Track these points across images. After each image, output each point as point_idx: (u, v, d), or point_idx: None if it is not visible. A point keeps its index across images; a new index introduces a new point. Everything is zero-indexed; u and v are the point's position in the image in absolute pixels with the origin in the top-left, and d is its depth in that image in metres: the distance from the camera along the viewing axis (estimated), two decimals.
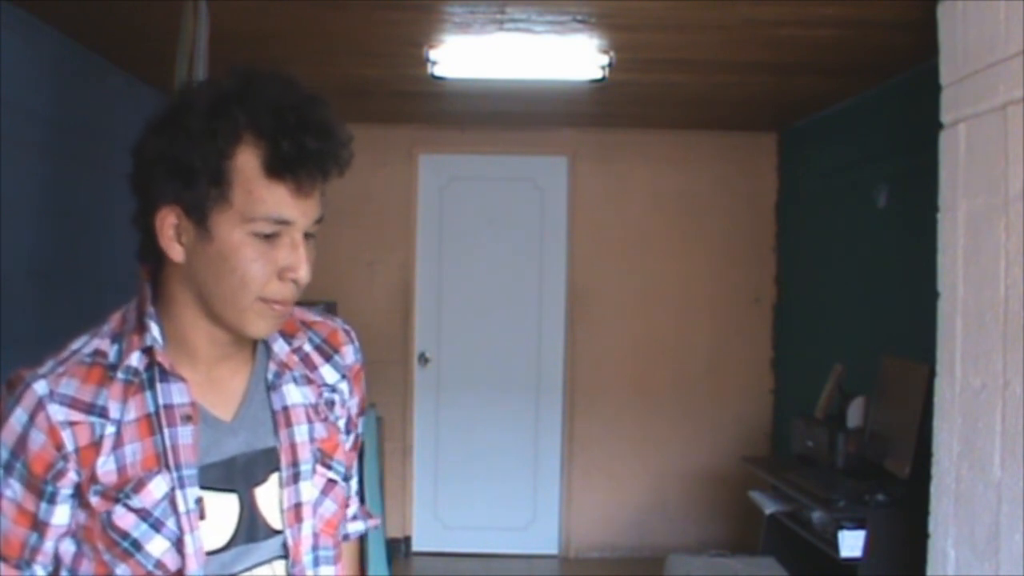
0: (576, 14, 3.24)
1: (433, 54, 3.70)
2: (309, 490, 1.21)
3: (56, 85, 3.50)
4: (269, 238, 1.10)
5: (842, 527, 3.15)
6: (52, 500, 1.11)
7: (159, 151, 1.10)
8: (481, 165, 5.51)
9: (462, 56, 3.73)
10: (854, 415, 3.66)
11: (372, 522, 1.41)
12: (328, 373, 1.28)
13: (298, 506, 1.20)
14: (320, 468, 1.23)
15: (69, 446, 1.09)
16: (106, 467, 1.10)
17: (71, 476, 1.10)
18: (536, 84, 4.18)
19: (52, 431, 1.09)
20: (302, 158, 1.08)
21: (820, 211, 4.87)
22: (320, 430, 1.24)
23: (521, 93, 4.48)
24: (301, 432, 1.22)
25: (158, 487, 1.11)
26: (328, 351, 1.29)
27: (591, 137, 5.45)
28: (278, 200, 1.09)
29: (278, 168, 1.08)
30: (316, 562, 1.22)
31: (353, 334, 1.33)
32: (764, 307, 5.47)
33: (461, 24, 3.39)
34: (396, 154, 5.41)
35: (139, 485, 1.11)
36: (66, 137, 3.59)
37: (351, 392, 1.31)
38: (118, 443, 1.11)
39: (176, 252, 1.12)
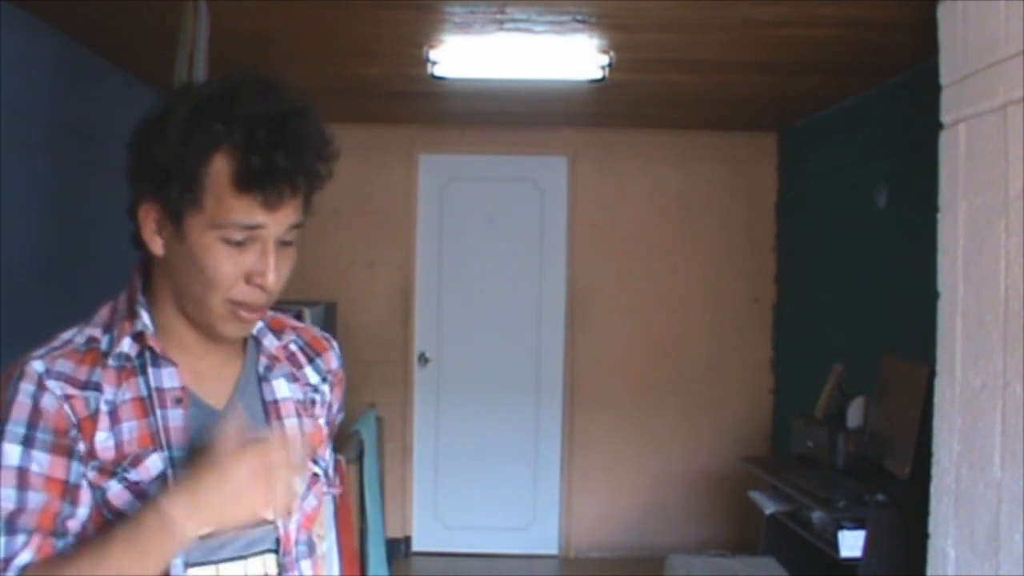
0: (576, 14, 3.24)
1: (433, 54, 3.70)
2: (297, 483, 1.23)
3: (56, 85, 3.50)
4: (240, 243, 1.12)
5: (842, 527, 3.15)
6: (81, 460, 1.11)
7: (142, 150, 1.14)
8: (481, 165, 5.51)
9: (462, 56, 3.73)
10: (854, 415, 3.66)
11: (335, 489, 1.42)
12: (311, 374, 1.32)
13: None
14: (308, 463, 1.26)
15: (72, 418, 1.12)
16: (105, 443, 1.12)
17: (80, 446, 1.12)
18: (536, 84, 4.18)
19: (57, 402, 1.12)
20: (270, 174, 1.09)
21: (820, 211, 4.88)
22: (308, 425, 1.28)
23: (521, 93, 4.48)
24: (291, 425, 1.25)
25: (154, 464, 1.13)
26: (311, 354, 1.34)
27: (591, 137, 5.45)
28: (247, 209, 1.11)
29: (246, 182, 1.09)
30: (297, 556, 1.24)
31: (334, 343, 1.38)
32: (764, 307, 5.47)
33: (461, 24, 3.39)
34: (396, 154, 5.41)
35: (136, 460, 1.13)
36: (66, 137, 3.59)
37: (331, 396, 1.35)
38: (115, 420, 1.13)
39: (156, 245, 1.16)
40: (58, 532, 1.10)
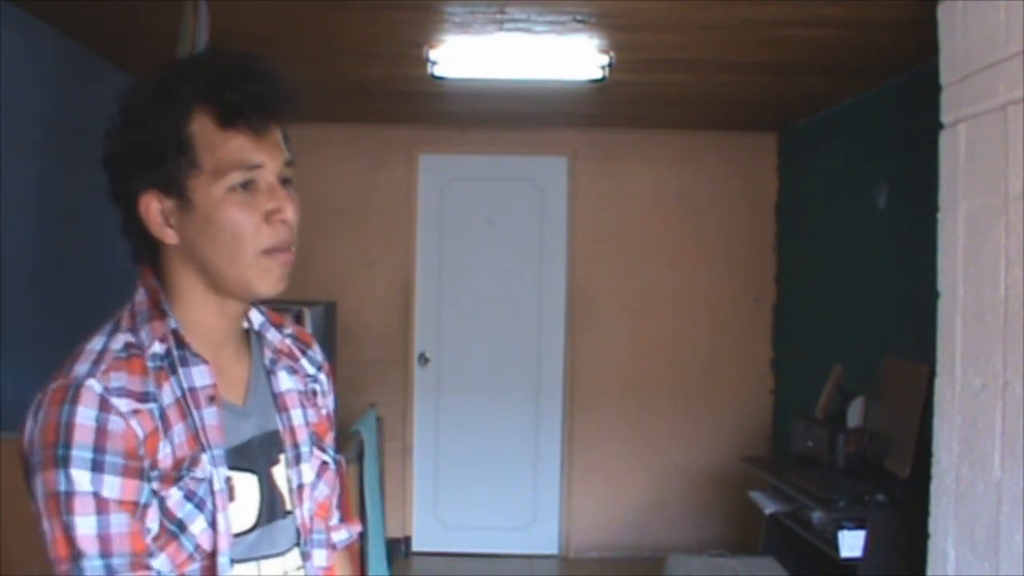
0: (576, 14, 3.24)
1: (433, 54, 3.70)
2: (307, 472, 1.26)
3: (56, 85, 3.50)
4: (246, 188, 1.14)
5: (842, 527, 3.15)
6: (148, 478, 1.08)
7: (122, 146, 1.16)
8: (481, 165, 5.51)
9: (462, 56, 3.73)
10: (854, 415, 3.66)
11: (355, 528, 1.43)
12: (307, 365, 1.36)
13: (300, 487, 1.24)
14: (316, 451, 1.29)
15: (139, 434, 1.08)
16: (164, 451, 1.10)
17: (146, 463, 1.08)
18: (536, 84, 4.18)
19: (125, 420, 1.07)
20: (250, 103, 1.13)
21: (820, 211, 4.88)
22: (312, 415, 1.31)
23: (521, 93, 4.48)
24: (297, 416, 1.27)
25: (206, 465, 1.12)
26: (302, 346, 1.37)
27: (591, 137, 5.45)
28: (240, 147, 1.14)
29: (229, 117, 1.13)
30: (313, 545, 1.26)
31: (314, 339, 1.43)
32: (764, 307, 5.47)
33: (461, 24, 3.39)
34: (396, 154, 5.41)
35: (194, 462, 1.11)
36: (66, 137, 3.59)
37: (328, 386, 1.38)
38: (167, 426, 1.11)
39: (169, 235, 1.16)
40: (149, 552, 1.07)
